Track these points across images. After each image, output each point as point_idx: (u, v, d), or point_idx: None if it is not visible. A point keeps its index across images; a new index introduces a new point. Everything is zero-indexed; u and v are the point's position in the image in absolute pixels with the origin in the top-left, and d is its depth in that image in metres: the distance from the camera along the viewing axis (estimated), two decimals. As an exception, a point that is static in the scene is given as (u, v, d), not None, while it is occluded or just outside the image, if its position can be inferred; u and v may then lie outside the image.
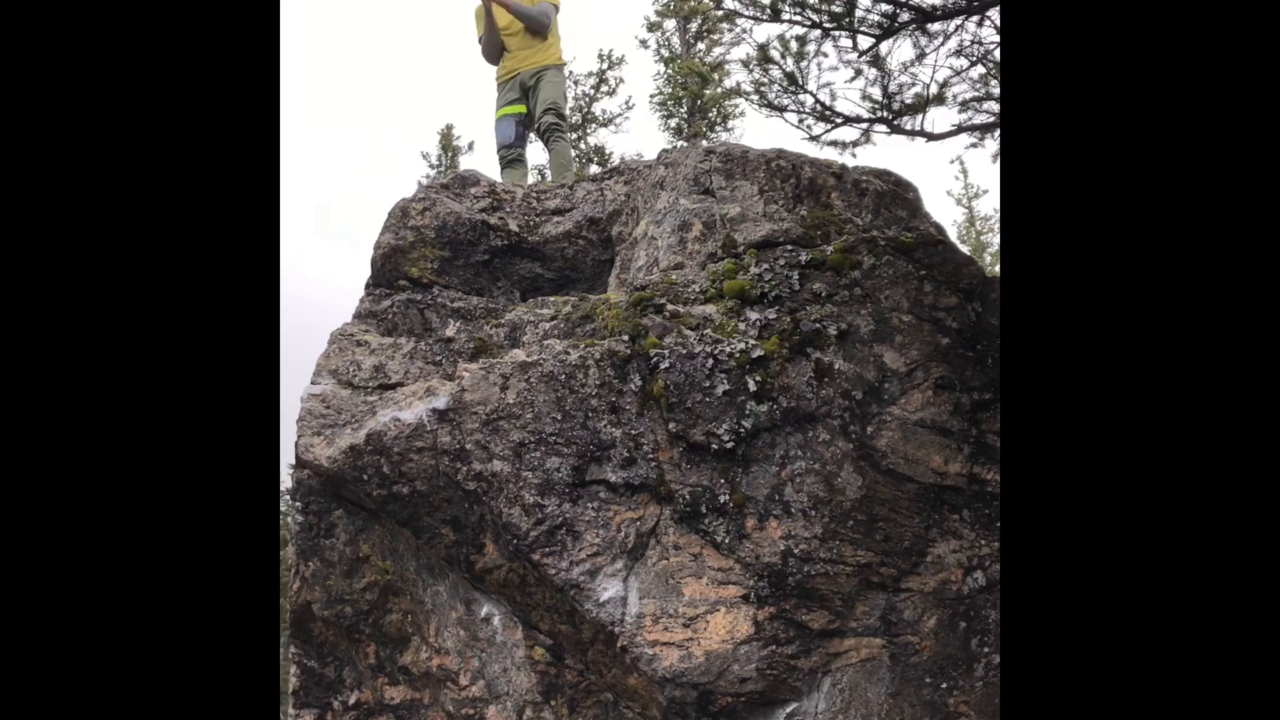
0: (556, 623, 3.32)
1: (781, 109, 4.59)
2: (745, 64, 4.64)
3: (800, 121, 4.65)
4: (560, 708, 3.32)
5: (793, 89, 4.48)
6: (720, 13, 4.30)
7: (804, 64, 4.39)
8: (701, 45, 20.54)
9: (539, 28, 6.40)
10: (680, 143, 18.92)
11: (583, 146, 19.34)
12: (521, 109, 6.57)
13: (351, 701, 3.65)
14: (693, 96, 19.06)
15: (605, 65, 20.25)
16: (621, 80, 20.46)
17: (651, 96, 20.23)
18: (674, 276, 3.66)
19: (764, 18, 4.24)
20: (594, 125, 19.68)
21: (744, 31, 4.49)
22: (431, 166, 25.13)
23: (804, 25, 4.24)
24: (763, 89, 4.60)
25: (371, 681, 3.68)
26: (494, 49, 6.84)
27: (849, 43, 4.27)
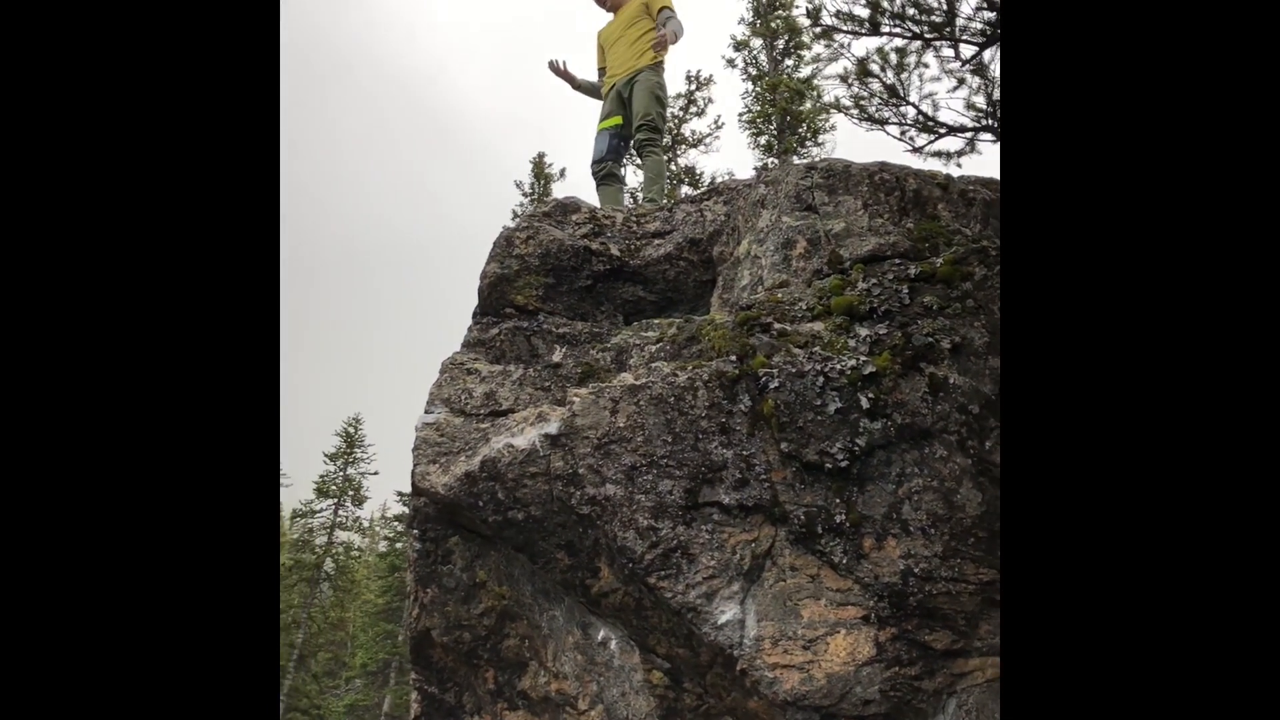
0: (674, 646, 3.31)
1: (882, 122, 4.53)
2: (844, 79, 4.60)
3: (902, 134, 4.59)
4: (680, 732, 3.30)
5: (894, 101, 4.42)
6: (818, 29, 4.26)
7: (904, 76, 4.33)
8: (789, 62, 20.49)
9: (678, 37, 6.36)
10: (771, 160, 18.86)
11: (673, 168, 19.43)
12: (617, 121, 6.52)
13: (472, 726, 3.70)
14: (781, 112, 18.99)
15: (694, 86, 20.36)
16: (710, 100, 20.55)
17: (740, 115, 20.26)
18: (780, 295, 3.63)
19: (863, 32, 4.20)
20: (684, 146, 19.77)
21: (842, 47, 4.44)
22: (525, 194, 25.57)
23: (904, 37, 4.19)
24: (862, 103, 4.55)
25: (491, 707, 3.72)
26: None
27: (951, 52, 4.20)
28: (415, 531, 3.85)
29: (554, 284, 4.45)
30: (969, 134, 4.58)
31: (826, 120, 18.83)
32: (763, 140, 19.58)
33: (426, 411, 3.94)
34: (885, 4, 4.00)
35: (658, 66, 6.52)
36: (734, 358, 3.38)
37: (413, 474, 3.72)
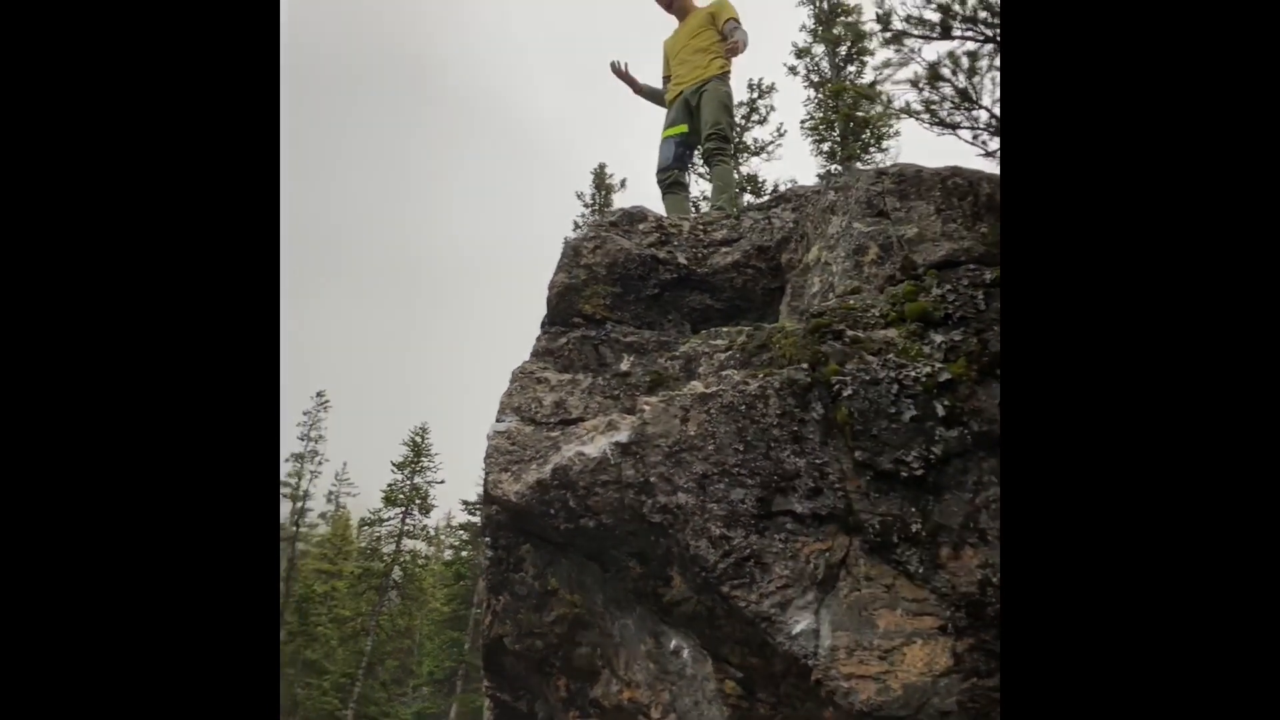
0: (747, 655, 3.28)
1: (954, 126, 4.47)
2: (914, 83, 4.54)
3: (974, 138, 4.52)
4: (754, 743, 3.27)
5: (965, 105, 4.36)
6: (888, 34, 4.21)
7: (976, 79, 4.27)
8: (851, 68, 20.34)
9: (742, 48, 6.36)
10: (834, 167, 18.72)
11: (735, 175, 19.37)
12: (684, 129, 6.51)
13: (544, 734, 3.71)
14: (845, 119, 18.84)
15: (756, 94, 20.31)
16: (772, 108, 20.48)
17: (802, 122, 20.16)
18: (852, 301, 3.59)
19: (934, 36, 4.15)
20: (745, 154, 19.72)
21: (912, 51, 4.38)
22: (586, 205, 25.71)
23: (976, 40, 4.13)
24: (933, 107, 4.49)
25: (563, 715, 3.73)
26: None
27: (1024, 55, 4.12)
28: (487, 539, 3.88)
29: (621, 293, 4.46)
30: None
31: (891, 127, 18.65)
32: (825, 147, 19.46)
33: (498, 420, 3.97)
34: (956, 7, 3.95)
35: (725, 76, 6.50)
36: (806, 365, 3.36)
37: (485, 482, 3.75)
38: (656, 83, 7.09)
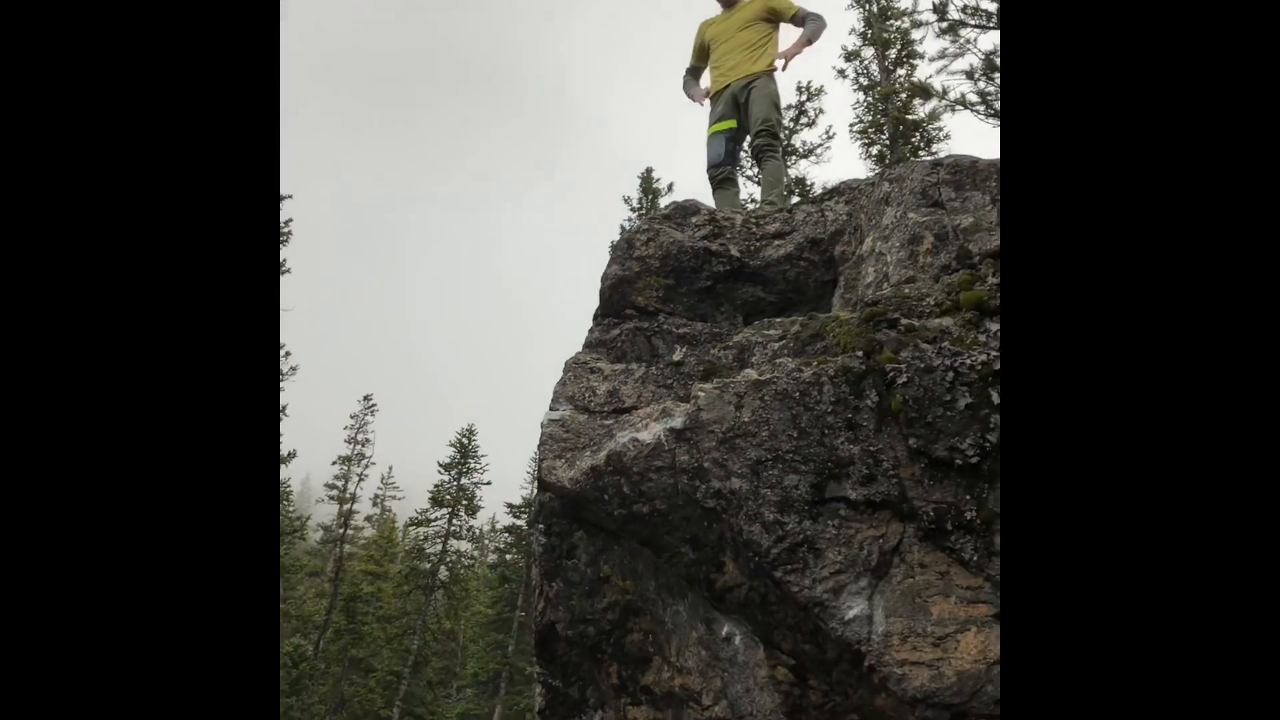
0: (799, 642, 3.29)
1: (1010, 116, 4.43)
2: (969, 75, 4.51)
3: (1030, 128, 4.47)
4: (805, 729, 3.28)
5: (1022, 94, 4.31)
6: (944, 24, 4.17)
7: (1034, 68, 4.22)
8: (901, 71, 20.22)
9: (820, 34, 6.37)
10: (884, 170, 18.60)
11: (785, 172, 19.33)
12: (732, 124, 6.49)
13: (596, 720, 3.74)
14: (894, 122, 18.73)
15: (804, 97, 20.26)
16: (821, 111, 20.40)
17: (851, 125, 20.07)
18: (906, 290, 3.59)
19: (990, 25, 4.12)
20: (794, 157, 19.67)
21: (968, 42, 4.34)
22: (633, 209, 25.77)
23: (1034, 28, 4.08)
24: (988, 98, 4.45)
25: (615, 702, 3.76)
26: (697, 76, 7.02)
27: (1082, 42, 4.08)
28: (541, 526, 3.92)
29: (674, 285, 4.49)
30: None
31: (940, 130, 18.52)
32: (874, 150, 19.36)
33: (551, 409, 4.02)
34: (1014, -5, 3.88)
35: (773, 73, 6.50)
36: (860, 353, 3.36)
37: (539, 468, 3.80)
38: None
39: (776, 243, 4.62)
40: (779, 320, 3.91)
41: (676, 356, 4.12)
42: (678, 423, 3.40)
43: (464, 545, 32.61)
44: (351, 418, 34.10)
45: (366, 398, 34.48)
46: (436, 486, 31.01)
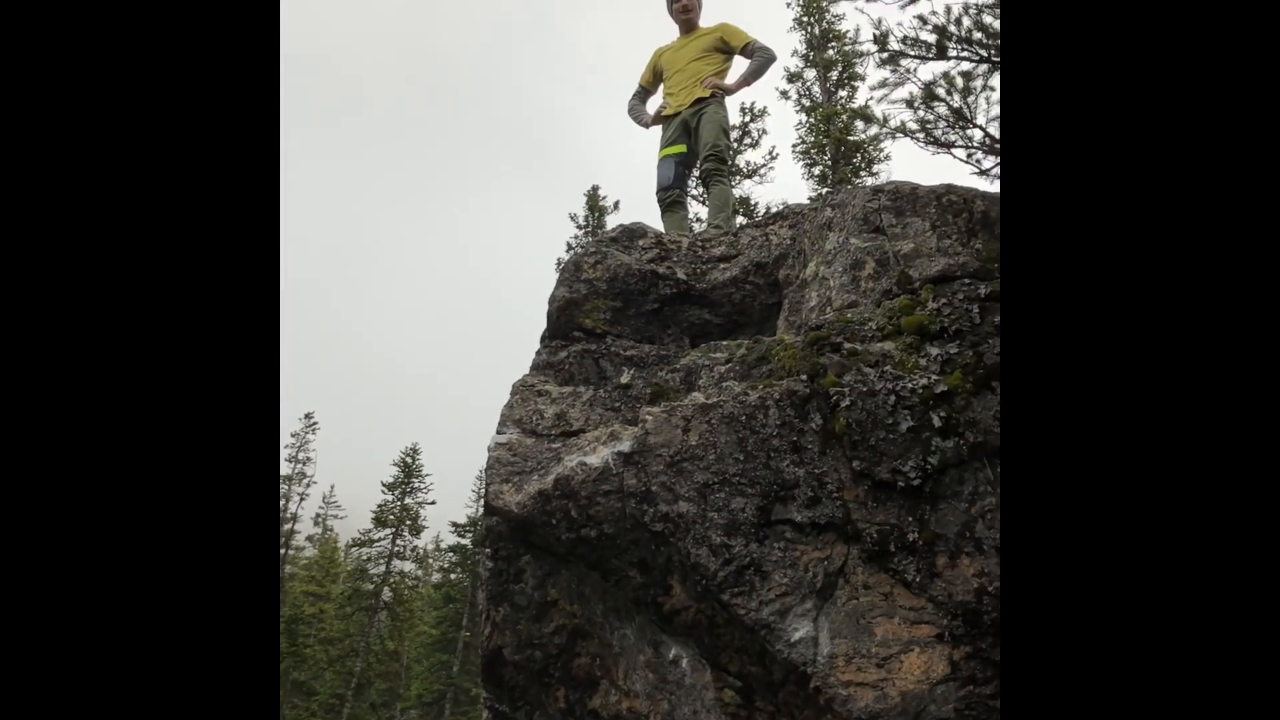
0: (746, 664, 3.32)
1: (949, 145, 4.55)
2: (909, 103, 4.63)
3: (969, 156, 4.60)
4: (753, 750, 3.30)
5: (960, 124, 4.44)
6: (884, 55, 4.28)
7: (971, 99, 4.36)
8: (843, 93, 20.54)
9: (766, 68, 6.49)
10: (825, 190, 18.87)
11: (732, 196, 19.50)
12: (682, 149, 6.60)
13: (543, 744, 3.73)
14: (836, 143, 19.01)
15: (748, 118, 20.48)
16: (764, 131, 20.64)
17: (794, 146, 20.34)
18: (849, 315, 3.66)
19: (930, 56, 4.23)
20: (739, 177, 19.86)
21: (908, 72, 4.46)
22: (579, 227, 25.82)
23: (971, 61, 4.22)
24: (928, 126, 4.58)
25: (562, 724, 3.75)
26: (645, 99, 7.10)
27: (1018, 74, 4.21)
28: (488, 550, 3.91)
29: (621, 307, 4.52)
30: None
31: (881, 151, 18.85)
32: (816, 171, 19.63)
33: (498, 432, 4.01)
34: (952, 28, 4.04)
35: (722, 100, 6.62)
36: (805, 377, 3.41)
37: (486, 493, 3.79)
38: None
39: (722, 266, 4.68)
40: (725, 343, 3.96)
41: (624, 379, 4.14)
42: (626, 446, 3.42)
43: (408, 565, 32.25)
44: (292, 436, 33.60)
45: (307, 415, 34.02)
46: (380, 506, 30.63)
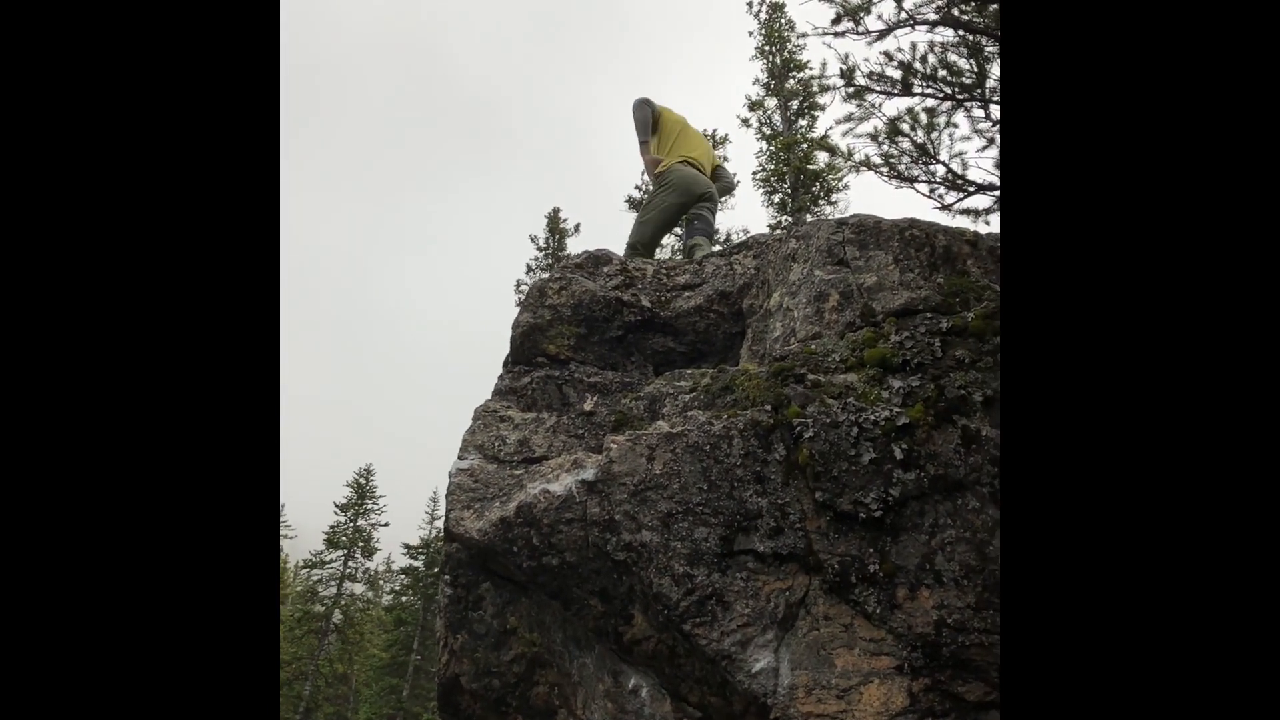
0: (706, 695, 3.31)
1: (912, 179, 4.63)
2: (874, 137, 4.72)
3: (931, 191, 4.68)
4: (712, 782, 3.29)
5: (924, 159, 4.52)
6: (850, 89, 4.34)
7: (935, 135, 4.44)
8: (803, 122, 20.79)
9: (725, 194, 7.03)
10: (785, 218, 19.05)
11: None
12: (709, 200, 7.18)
13: (499, 775, 3.69)
14: (795, 171, 19.21)
15: (710, 144, 20.61)
16: (726, 158, 20.78)
17: (754, 173, 20.50)
18: (813, 346, 3.69)
19: (895, 92, 4.31)
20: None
21: (874, 106, 4.55)
22: (540, 249, 25.80)
23: (936, 97, 4.30)
24: (892, 160, 4.65)
25: (519, 754, 3.71)
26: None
27: (981, 112, 4.31)
28: (447, 577, 3.87)
29: (585, 334, 4.52)
30: (998, 192, 4.67)
31: (840, 180, 19.07)
32: (776, 199, 19.81)
33: (460, 458, 3.98)
34: (918, 65, 4.13)
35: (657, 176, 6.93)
36: (769, 407, 3.43)
37: (447, 519, 3.75)
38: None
39: (686, 294, 4.70)
40: (690, 371, 3.97)
41: (588, 406, 4.14)
42: (589, 474, 3.41)
43: (359, 588, 31.81)
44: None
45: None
46: (332, 528, 30.22)
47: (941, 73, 4.11)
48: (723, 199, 6.90)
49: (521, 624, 3.72)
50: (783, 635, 3.18)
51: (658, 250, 7.25)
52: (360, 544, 30.29)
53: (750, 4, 21.78)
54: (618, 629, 3.42)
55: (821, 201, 19.48)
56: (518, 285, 24.53)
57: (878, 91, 4.32)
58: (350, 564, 30.12)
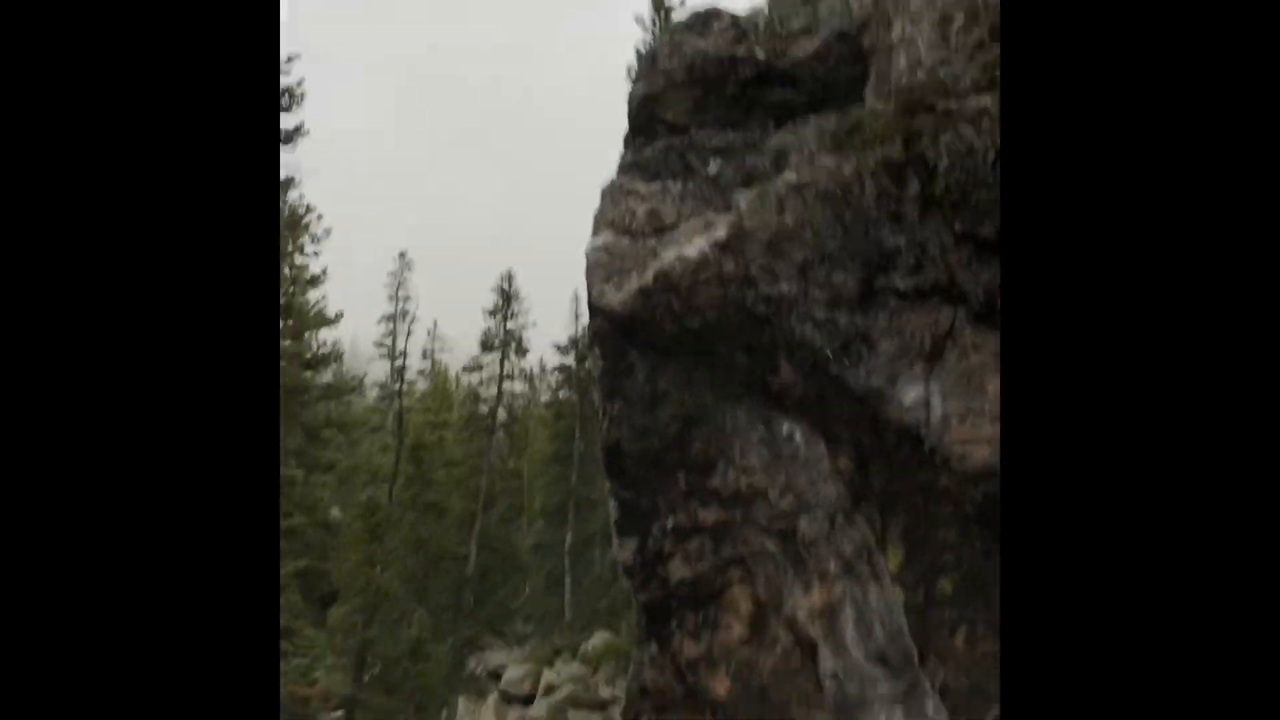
0: (858, 433, 3.39)
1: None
2: None
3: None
4: (871, 513, 3.42)
5: None
6: None
7: None
8: None
9: None
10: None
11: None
12: None
13: (670, 526, 3.91)
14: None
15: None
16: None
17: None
18: (941, 73, 3.50)
19: None
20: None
21: None
22: (646, 30, 24.90)
23: None
24: None
25: (685, 506, 3.92)
26: None
27: None
28: (597, 350, 4.01)
29: (702, 95, 4.40)
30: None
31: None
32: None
33: (594, 235, 4.04)
34: None
35: None
36: (900, 143, 3.32)
37: (590, 294, 3.85)
38: None
39: (802, 40, 4.49)
40: (813, 118, 3.85)
41: (712, 169, 4.09)
42: (721, 234, 3.42)
43: (518, 386, 33.37)
44: (390, 275, 34.35)
45: (402, 254, 34.58)
46: (485, 331, 31.43)
47: None
48: None
49: (672, 386, 3.84)
50: (931, 368, 3.20)
51: None
52: (513, 344, 31.53)
53: None
54: (765, 380, 3.51)
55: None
56: (628, 72, 23.87)
57: None
58: (506, 364, 31.48)
